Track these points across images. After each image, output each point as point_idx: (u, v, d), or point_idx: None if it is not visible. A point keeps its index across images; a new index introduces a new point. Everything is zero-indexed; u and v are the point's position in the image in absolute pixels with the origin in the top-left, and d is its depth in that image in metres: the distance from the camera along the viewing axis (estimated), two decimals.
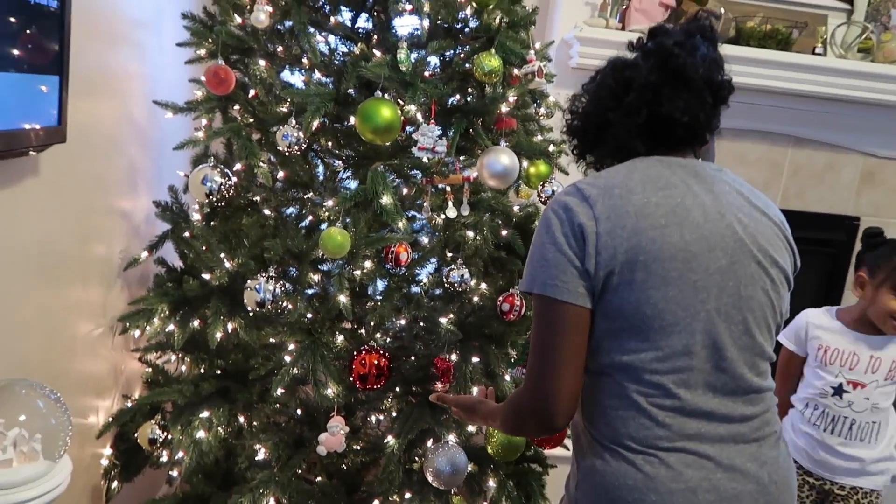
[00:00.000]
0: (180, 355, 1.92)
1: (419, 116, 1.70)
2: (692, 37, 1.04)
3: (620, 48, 2.74)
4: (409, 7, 1.71)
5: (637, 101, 1.03)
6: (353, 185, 1.88)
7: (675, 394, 0.97)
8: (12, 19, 1.19)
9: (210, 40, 1.74)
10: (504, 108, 1.78)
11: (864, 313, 1.73)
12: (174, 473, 1.86)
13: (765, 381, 1.04)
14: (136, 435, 1.83)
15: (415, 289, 1.88)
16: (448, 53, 1.87)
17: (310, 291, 1.87)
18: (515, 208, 1.98)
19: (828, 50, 2.72)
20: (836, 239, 3.03)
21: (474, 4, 1.73)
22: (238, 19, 1.78)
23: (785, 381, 1.85)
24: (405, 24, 1.86)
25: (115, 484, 1.92)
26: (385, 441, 1.78)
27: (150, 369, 1.95)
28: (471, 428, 1.92)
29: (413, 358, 1.91)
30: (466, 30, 1.84)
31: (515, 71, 1.81)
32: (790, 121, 2.85)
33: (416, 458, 1.88)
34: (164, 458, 1.85)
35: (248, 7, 1.74)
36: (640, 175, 1.01)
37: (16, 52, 1.21)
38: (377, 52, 1.73)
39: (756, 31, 2.57)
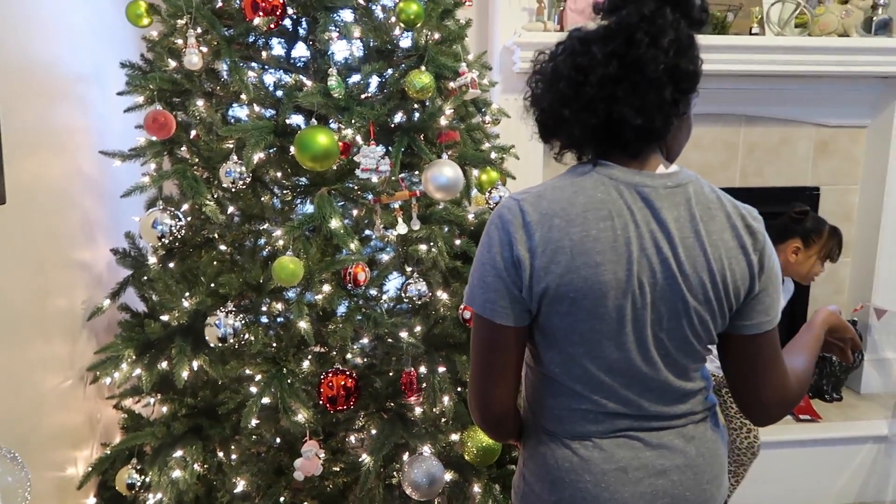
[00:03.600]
0: (156, 397, 1.94)
1: (359, 139, 1.73)
2: (662, 9, 0.93)
3: None
4: (336, 34, 1.74)
5: (594, 96, 0.95)
6: (308, 211, 1.91)
7: (604, 402, 1.03)
8: None
9: (148, 86, 1.77)
10: (443, 122, 1.82)
11: (789, 274, 2.23)
12: None
13: (695, 384, 1.07)
14: (114, 482, 1.85)
15: (379, 307, 1.91)
16: (386, 74, 1.91)
17: (276, 320, 1.90)
18: (470, 216, 2.02)
19: (765, 28, 2.77)
20: None
21: (402, 25, 1.77)
22: (173, 63, 1.82)
23: None
24: (341, 50, 1.90)
25: None
26: (361, 459, 1.80)
27: (126, 415, 1.97)
28: (453, 437, 1.94)
29: (384, 374, 1.93)
30: (399, 50, 1.88)
31: (450, 84, 1.85)
32: (739, 101, 2.90)
33: (395, 473, 1.90)
34: (149, 502, 1.87)
35: (183, 51, 1.78)
36: (584, 199, 0.96)
37: None
38: (310, 82, 1.77)
39: None
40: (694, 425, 1.07)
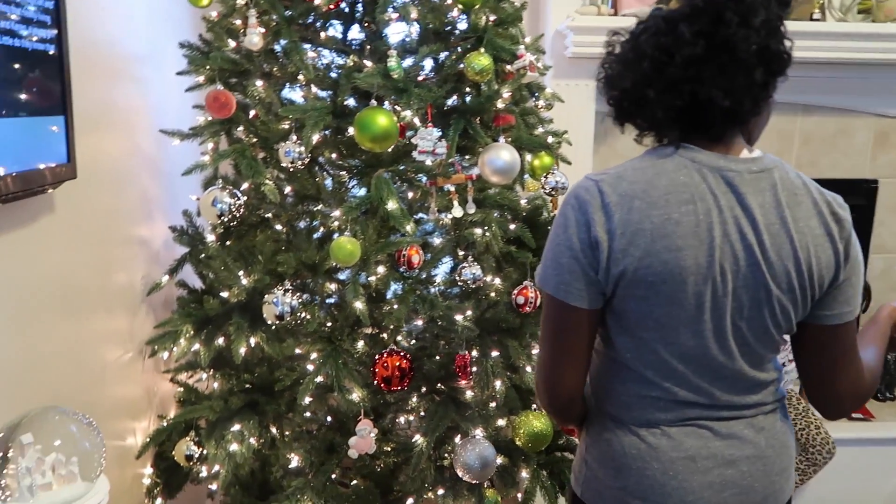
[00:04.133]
0: (210, 373, 1.98)
1: (416, 121, 1.73)
2: None
3: None
4: (395, 15, 1.74)
5: (680, 77, 0.92)
6: (361, 193, 1.92)
7: (676, 390, 1.01)
8: (16, 66, 1.25)
9: (207, 66, 1.79)
10: (500, 105, 1.80)
11: None
12: (213, 487, 1.92)
13: (768, 375, 1.05)
14: (173, 453, 1.89)
15: (431, 289, 1.92)
16: (441, 56, 1.90)
17: (328, 300, 1.91)
18: (523, 202, 2.01)
19: (826, 14, 2.68)
20: (854, 204, 2.96)
21: (460, 6, 1.76)
22: (233, 43, 1.83)
23: None
24: (396, 32, 1.89)
25: (158, 501, 1.98)
26: (413, 440, 1.82)
27: (182, 388, 2.01)
28: (500, 422, 1.95)
29: (436, 357, 1.94)
30: (456, 32, 1.87)
31: (508, 67, 1.84)
32: (796, 89, 2.82)
33: (447, 455, 1.91)
34: (203, 473, 1.91)
35: (242, 31, 1.79)
36: (666, 182, 0.94)
37: (23, 96, 1.27)
38: (369, 63, 1.77)
39: None
40: (764, 416, 1.06)
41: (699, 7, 0.92)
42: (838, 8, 2.68)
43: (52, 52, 1.35)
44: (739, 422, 1.04)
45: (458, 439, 1.82)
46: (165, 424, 1.94)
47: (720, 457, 1.02)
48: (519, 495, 1.97)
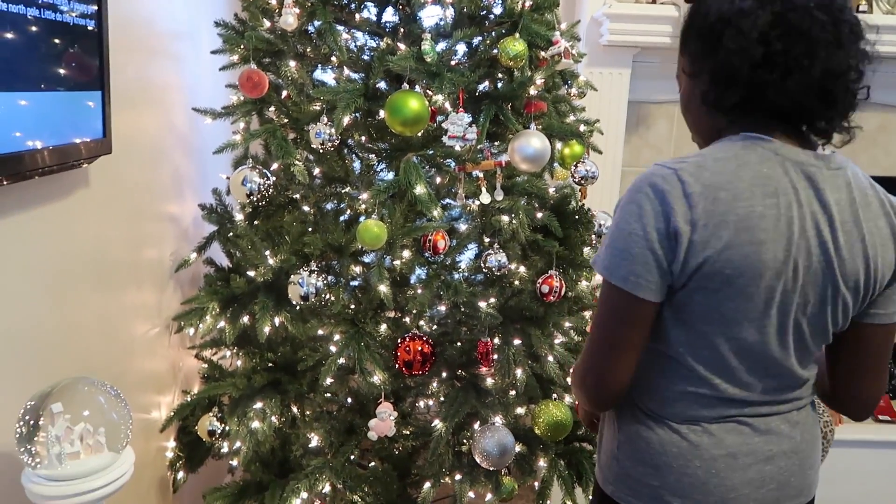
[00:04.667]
0: (234, 350, 2.01)
1: (448, 105, 1.72)
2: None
3: (650, 22, 2.69)
4: None
5: (802, 56, 0.90)
6: (389, 177, 1.92)
7: (724, 386, 1.00)
8: (56, 41, 1.26)
9: (242, 46, 1.80)
10: (532, 92, 1.78)
11: None
12: (234, 463, 1.95)
13: (810, 372, 1.05)
14: (196, 428, 1.92)
15: (455, 275, 1.92)
16: (475, 41, 1.88)
17: (353, 283, 1.92)
18: (551, 190, 1.99)
19: (874, 6, 2.61)
20: None
21: None
22: (267, 23, 1.84)
23: None
24: (431, 15, 1.88)
25: (180, 475, 2.02)
26: (433, 425, 1.82)
27: (206, 365, 2.04)
28: (519, 410, 1.95)
29: (457, 343, 1.94)
30: (491, 16, 1.85)
31: (542, 53, 1.81)
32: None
33: (465, 441, 1.91)
34: (225, 449, 1.94)
35: (277, 11, 1.79)
36: (750, 173, 0.92)
37: (61, 71, 1.28)
38: (403, 46, 1.76)
39: None
40: (797, 411, 1.06)
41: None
42: (886, 0, 2.60)
43: (91, 28, 1.36)
44: (777, 417, 1.04)
45: (477, 426, 1.83)
46: (189, 400, 1.97)
47: (759, 453, 1.02)
48: (536, 484, 1.97)
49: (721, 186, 0.91)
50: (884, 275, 0.98)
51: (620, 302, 0.97)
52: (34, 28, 1.19)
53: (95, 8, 1.37)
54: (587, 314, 2.02)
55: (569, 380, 1.86)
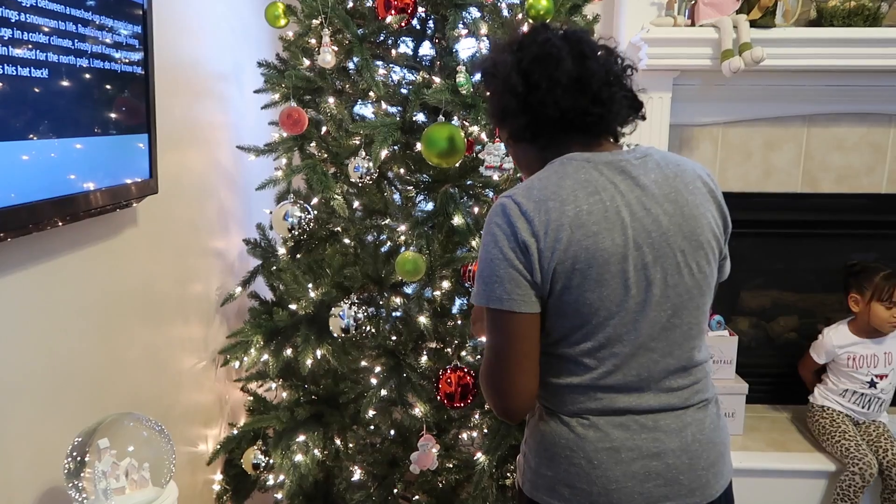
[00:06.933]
0: (279, 382, 2.03)
1: (484, 136, 1.73)
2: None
3: (690, 45, 2.64)
4: (465, 31, 1.74)
5: (562, 97, 1.06)
6: (427, 208, 1.94)
7: (608, 378, 1.06)
8: (108, 87, 1.32)
9: (282, 84, 1.85)
10: None
11: (867, 323, 2.35)
12: (279, 496, 1.95)
13: (698, 355, 1.11)
14: (241, 461, 1.94)
15: None
16: None
17: (394, 314, 1.93)
18: None
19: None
20: None
21: (531, 20, 1.74)
22: (307, 62, 1.88)
23: (806, 373, 2.58)
24: (466, 48, 1.90)
25: None
26: (476, 458, 1.80)
27: (252, 398, 2.06)
28: None
29: None
30: None
31: None
32: (890, 99, 2.66)
33: (508, 474, 1.88)
34: (270, 482, 1.95)
35: (316, 50, 1.84)
36: (570, 182, 1.04)
37: (112, 115, 1.34)
38: (438, 79, 1.78)
39: (839, 9, 2.42)
40: (694, 411, 1.10)
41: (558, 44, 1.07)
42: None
43: (139, 73, 1.42)
44: (668, 415, 1.08)
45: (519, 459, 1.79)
46: (235, 433, 2.00)
47: (644, 449, 1.07)
48: None
49: (548, 198, 1.03)
50: (717, 230, 1.10)
51: (503, 322, 1.05)
52: (87, 76, 1.25)
53: (142, 55, 1.43)
54: None
55: None
